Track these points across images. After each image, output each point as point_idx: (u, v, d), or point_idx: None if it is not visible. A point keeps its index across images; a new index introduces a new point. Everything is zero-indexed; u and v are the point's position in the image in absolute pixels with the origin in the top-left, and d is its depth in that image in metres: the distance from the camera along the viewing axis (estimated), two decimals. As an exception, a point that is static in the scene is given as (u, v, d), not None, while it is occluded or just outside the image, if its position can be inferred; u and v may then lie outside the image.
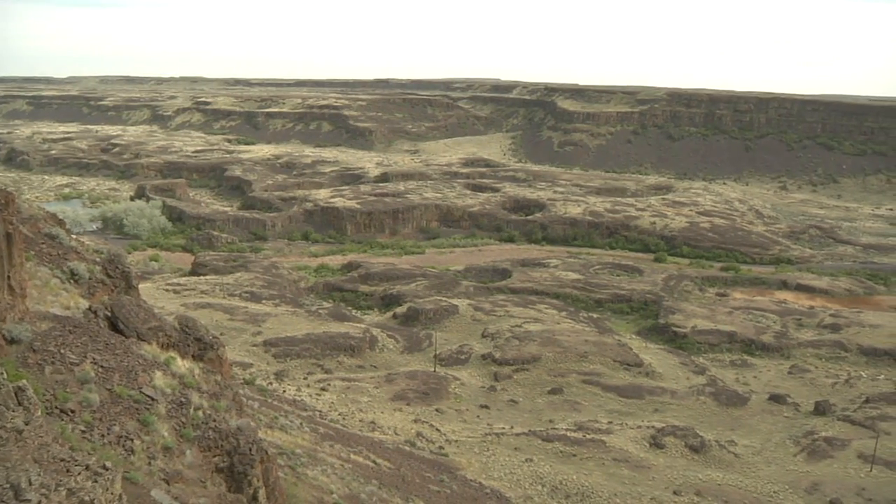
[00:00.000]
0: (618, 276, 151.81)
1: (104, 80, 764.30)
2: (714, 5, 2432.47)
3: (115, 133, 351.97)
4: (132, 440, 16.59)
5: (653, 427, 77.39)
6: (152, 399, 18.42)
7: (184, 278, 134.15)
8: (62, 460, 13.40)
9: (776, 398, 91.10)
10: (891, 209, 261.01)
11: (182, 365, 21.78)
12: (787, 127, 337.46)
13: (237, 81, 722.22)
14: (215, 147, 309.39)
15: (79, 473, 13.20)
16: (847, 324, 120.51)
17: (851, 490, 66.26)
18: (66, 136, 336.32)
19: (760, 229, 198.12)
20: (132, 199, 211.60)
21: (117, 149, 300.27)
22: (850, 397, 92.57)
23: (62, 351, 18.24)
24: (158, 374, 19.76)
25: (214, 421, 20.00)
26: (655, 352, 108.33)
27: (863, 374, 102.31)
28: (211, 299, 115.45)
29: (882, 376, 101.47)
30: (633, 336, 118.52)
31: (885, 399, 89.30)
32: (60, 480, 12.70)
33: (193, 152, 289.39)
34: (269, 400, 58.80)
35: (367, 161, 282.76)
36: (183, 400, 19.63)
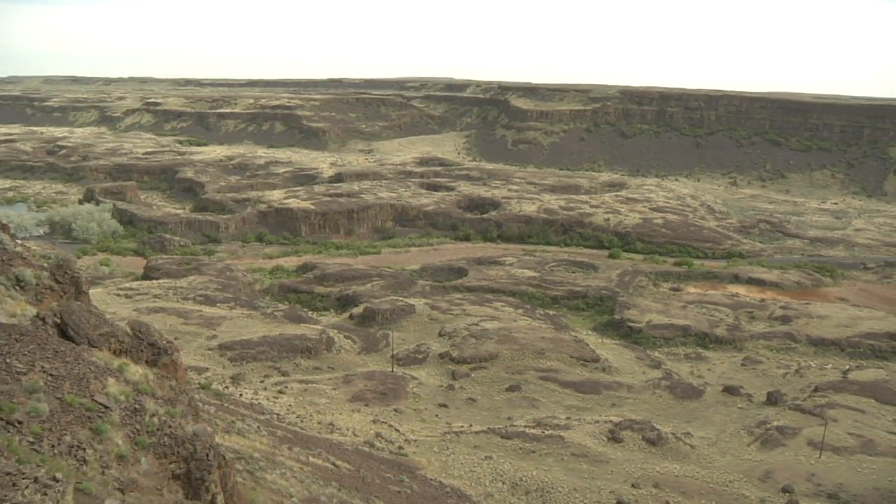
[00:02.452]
0: (573, 272, 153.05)
1: (48, 80, 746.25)
2: (664, 4, 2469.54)
3: (61, 135, 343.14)
4: (84, 450, 16.11)
5: (610, 421, 78.11)
6: (105, 407, 17.95)
7: (136, 283, 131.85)
8: (8, 474, 12.96)
9: (730, 390, 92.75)
10: (835, 203, 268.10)
11: (135, 371, 21.32)
12: (737, 124, 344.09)
13: (188, 82, 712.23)
14: (166, 148, 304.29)
15: (26, 487, 12.78)
16: (796, 315, 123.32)
17: (802, 476, 67.86)
18: (8, 137, 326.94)
19: (712, 224, 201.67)
20: (80, 202, 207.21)
21: (64, 151, 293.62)
22: (799, 387, 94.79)
23: (8, 360, 17.69)
24: (111, 381, 19.28)
25: (170, 427, 19.61)
26: (611, 347, 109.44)
27: (811, 363, 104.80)
28: (164, 303, 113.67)
29: (829, 365, 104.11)
30: (590, 332, 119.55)
31: (833, 387, 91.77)
32: (6, 495, 12.29)
33: (144, 154, 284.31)
34: (226, 404, 58.00)
35: (321, 161, 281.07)
36: (137, 407, 19.18)
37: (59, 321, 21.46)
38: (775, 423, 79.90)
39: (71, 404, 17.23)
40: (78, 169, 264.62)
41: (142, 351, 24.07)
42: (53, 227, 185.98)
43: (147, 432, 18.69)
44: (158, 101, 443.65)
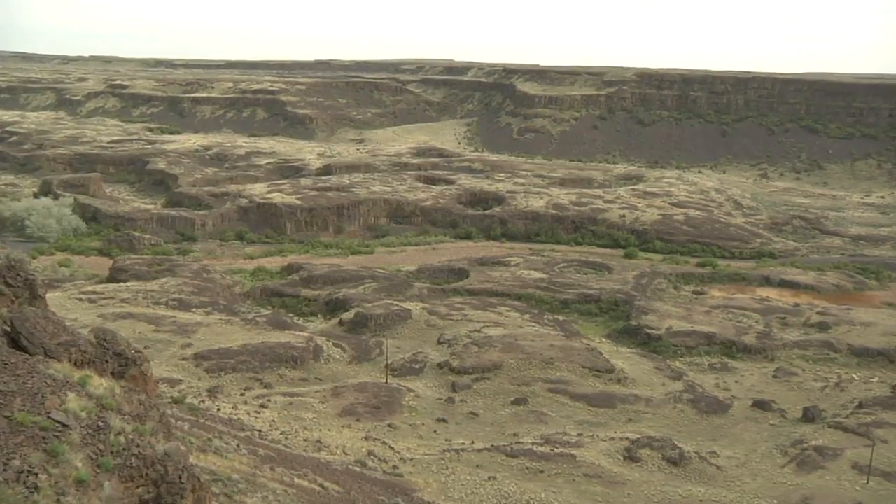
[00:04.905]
0: (585, 274, 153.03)
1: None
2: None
3: (11, 119, 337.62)
4: (36, 475, 15.82)
5: (627, 439, 77.92)
6: (63, 425, 17.67)
7: (101, 286, 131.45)
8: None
9: (760, 404, 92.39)
10: (882, 197, 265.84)
11: (99, 384, 21.08)
12: (768, 109, 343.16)
13: (158, 62, 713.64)
14: (135, 137, 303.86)
15: (-35, 521, 12.53)
16: (836, 322, 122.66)
17: (847, 504, 67.15)
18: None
19: (739, 221, 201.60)
20: (36, 196, 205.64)
21: (15, 138, 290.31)
22: (841, 402, 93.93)
23: (-53, 374, 17.44)
24: (71, 395, 19.02)
25: (138, 446, 19.40)
26: (627, 356, 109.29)
27: (855, 376, 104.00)
28: (133, 309, 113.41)
29: (876, 378, 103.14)
30: (603, 339, 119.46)
31: (880, 403, 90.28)
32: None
33: (109, 143, 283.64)
34: (202, 420, 57.87)
35: (308, 152, 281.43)
36: (100, 424, 18.94)
37: (9, 329, 21.22)
38: (813, 443, 79.12)
39: (22, 423, 16.96)
40: (32, 158, 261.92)
41: (107, 362, 23.86)
42: (3, 223, 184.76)
43: (112, 453, 18.43)
44: (125, 83, 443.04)
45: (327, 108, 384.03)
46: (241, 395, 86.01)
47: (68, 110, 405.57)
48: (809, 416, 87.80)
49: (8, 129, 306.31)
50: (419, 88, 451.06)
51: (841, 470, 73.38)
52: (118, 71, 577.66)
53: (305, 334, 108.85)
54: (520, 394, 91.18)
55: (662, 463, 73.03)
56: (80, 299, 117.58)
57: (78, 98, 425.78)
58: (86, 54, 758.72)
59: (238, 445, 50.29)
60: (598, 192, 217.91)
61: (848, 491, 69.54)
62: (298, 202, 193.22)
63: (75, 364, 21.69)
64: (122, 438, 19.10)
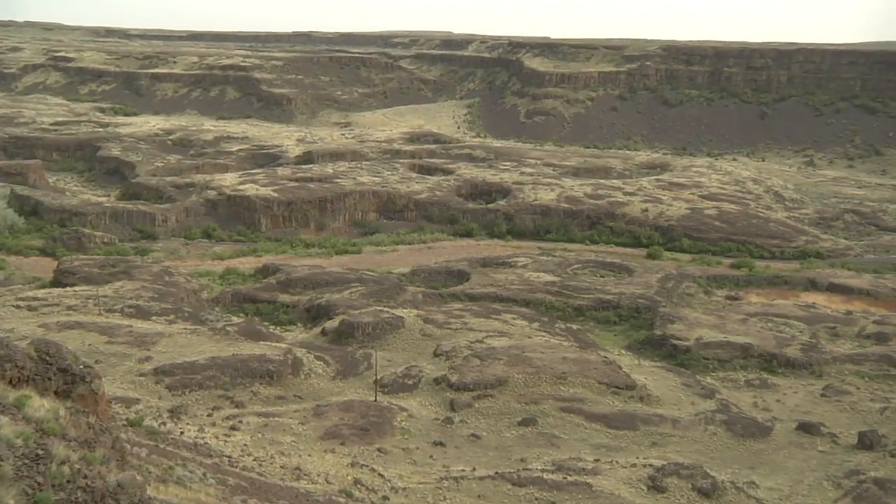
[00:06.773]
0: (602, 276, 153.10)
1: None
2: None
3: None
4: (-44, 516, 15.60)
5: (651, 465, 77.67)
6: (-7, 455, 17.44)
7: (43, 291, 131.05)
8: None
9: (807, 427, 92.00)
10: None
11: (40, 406, 20.85)
12: (815, 86, 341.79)
13: (110, 32, 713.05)
14: (83, 118, 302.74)
15: None
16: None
17: (919, 548, 66.66)
18: None
19: (781, 216, 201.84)
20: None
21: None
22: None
23: None
24: (4, 420, 18.75)
25: (86, 478, 19.14)
26: (651, 370, 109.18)
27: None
28: (82, 317, 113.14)
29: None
30: (623, 351, 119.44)
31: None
32: None
33: (52, 125, 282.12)
34: (162, 445, 57.66)
35: (286, 137, 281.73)
36: (40, 452, 18.67)
37: (-66, 341, 20.98)
38: (872, 474, 78.20)
39: (-58, 455, 16.70)
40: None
41: (50, 379, 23.66)
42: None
43: (53, 486, 18.15)
44: (70, 55, 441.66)
45: (308, 87, 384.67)
46: (209, 415, 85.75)
47: (1, 86, 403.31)
48: (867, 442, 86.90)
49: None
50: (413, 65, 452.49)
51: (911, 508, 72.73)
52: (61, 41, 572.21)
53: (283, 345, 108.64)
54: (528, 413, 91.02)
55: (692, 494, 72.73)
56: (18, 307, 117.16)
57: (12, 71, 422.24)
58: (19, 19, 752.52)
59: (204, 474, 50.10)
60: (618, 183, 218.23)
61: (917, 533, 69.05)
62: (275, 195, 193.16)
63: (11, 382, 21.47)
64: (66, 469, 18.82)
